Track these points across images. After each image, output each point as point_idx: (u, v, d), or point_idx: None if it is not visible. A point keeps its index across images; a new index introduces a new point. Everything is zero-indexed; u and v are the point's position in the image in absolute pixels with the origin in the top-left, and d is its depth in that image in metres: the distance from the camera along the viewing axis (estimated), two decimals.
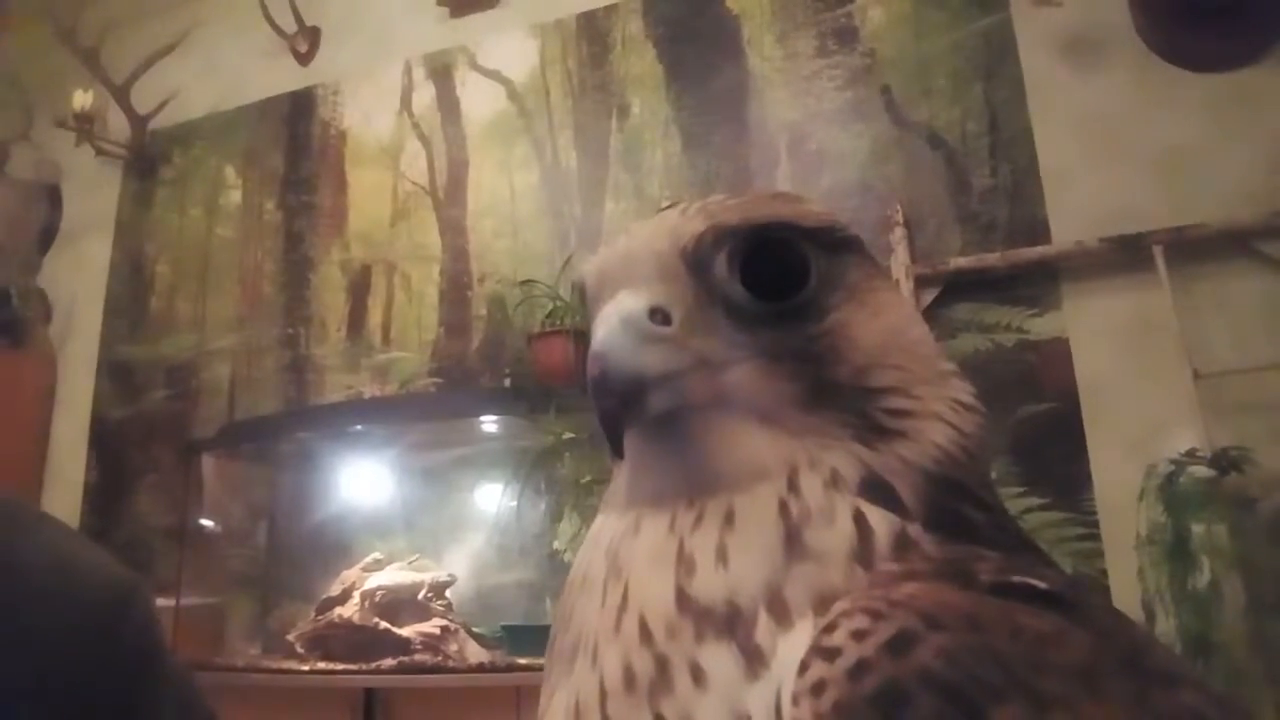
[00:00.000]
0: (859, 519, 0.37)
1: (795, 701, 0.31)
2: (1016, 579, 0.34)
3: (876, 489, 0.38)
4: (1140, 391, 2.21)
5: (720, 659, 0.34)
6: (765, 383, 0.41)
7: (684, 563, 0.37)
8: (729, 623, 0.35)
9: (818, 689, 0.31)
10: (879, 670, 0.30)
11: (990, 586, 0.34)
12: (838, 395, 0.42)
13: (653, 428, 0.40)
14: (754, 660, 0.34)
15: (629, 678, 0.36)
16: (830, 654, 0.31)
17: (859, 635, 0.31)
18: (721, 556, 0.37)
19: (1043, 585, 0.34)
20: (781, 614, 0.35)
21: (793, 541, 0.36)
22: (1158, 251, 2.19)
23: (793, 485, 0.38)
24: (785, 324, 0.43)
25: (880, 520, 0.37)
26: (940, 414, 0.43)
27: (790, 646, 0.33)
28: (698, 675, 0.34)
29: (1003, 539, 0.39)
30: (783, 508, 0.38)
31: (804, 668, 0.32)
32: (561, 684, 0.40)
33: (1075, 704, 0.29)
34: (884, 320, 0.46)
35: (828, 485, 0.38)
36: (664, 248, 0.43)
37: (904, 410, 0.42)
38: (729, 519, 0.38)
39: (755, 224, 0.43)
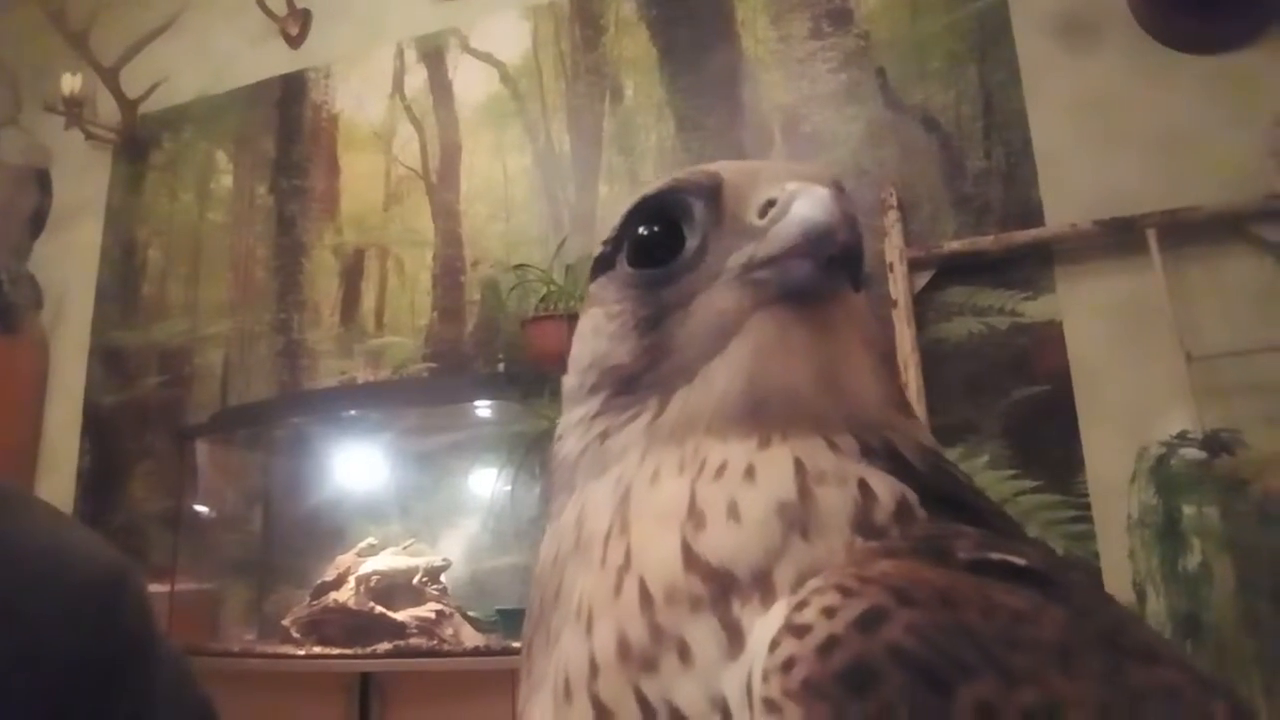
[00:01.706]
0: (863, 485, 0.37)
1: (765, 678, 0.31)
2: (994, 555, 0.34)
3: (892, 456, 0.39)
4: (1133, 374, 2.22)
5: (706, 636, 0.34)
6: (869, 312, 0.43)
7: (694, 516, 0.36)
8: (724, 591, 0.34)
9: (787, 666, 0.30)
10: (848, 647, 0.30)
11: (967, 564, 0.34)
12: (889, 360, 0.44)
13: (802, 306, 0.39)
14: (734, 638, 0.33)
15: (623, 650, 0.35)
16: (800, 631, 0.31)
17: (829, 612, 0.31)
18: (733, 511, 0.36)
19: (1020, 562, 0.34)
20: (766, 593, 0.34)
21: (803, 500, 0.36)
22: (1151, 234, 2.19)
23: (830, 443, 0.38)
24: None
25: (886, 489, 0.37)
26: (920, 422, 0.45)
27: (765, 625, 0.33)
28: (684, 653, 0.34)
29: (981, 511, 0.40)
30: (799, 467, 0.37)
31: (774, 645, 0.31)
32: (546, 667, 0.38)
33: (1046, 680, 0.29)
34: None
35: (860, 451, 0.38)
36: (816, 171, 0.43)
37: (907, 404, 0.44)
38: (749, 473, 0.37)
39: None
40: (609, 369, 0.44)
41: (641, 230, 0.45)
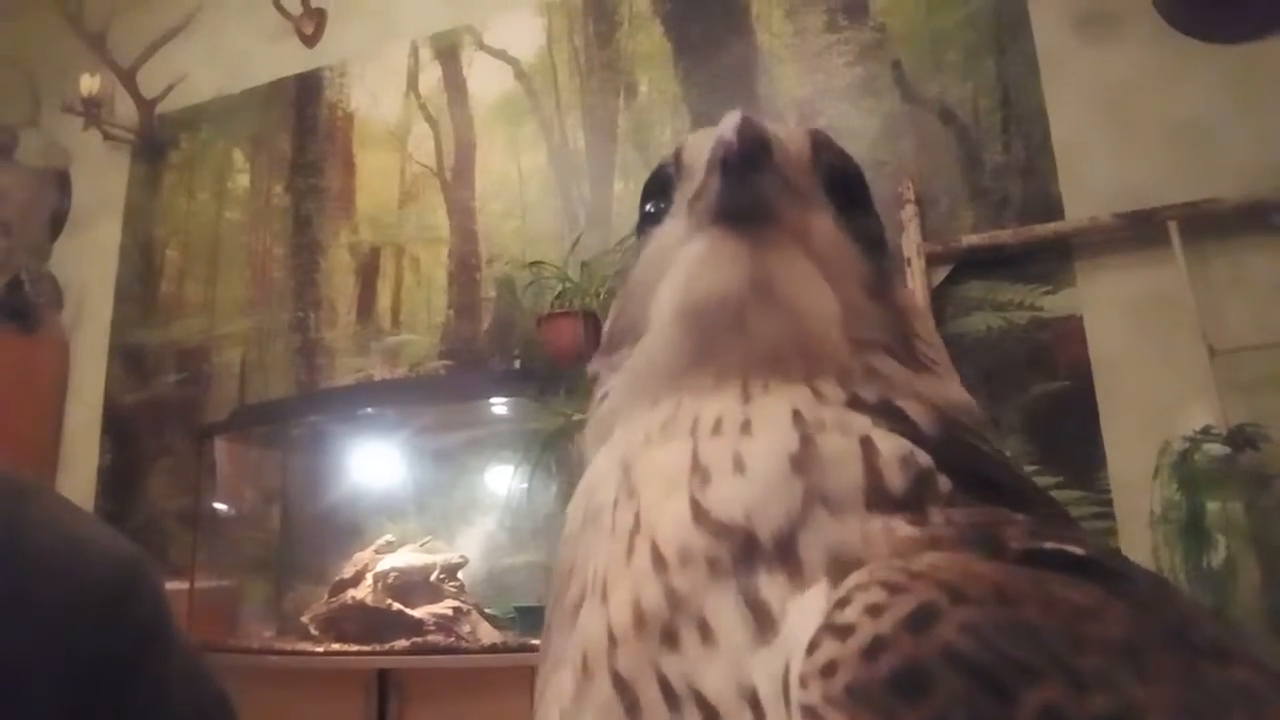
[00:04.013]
0: (866, 443, 0.35)
1: (804, 684, 0.28)
2: (1049, 545, 0.32)
3: (892, 413, 0.37)
4: (1155, 368, 2.19)
5: (728, 610, 0.32)
6: (843, 243, 0.42)
7: (699, 472, 0.35)
8: (745, 553, 0.33)
9: (828, 670, 0.28)
10: (897, 649, 0.27)
11: (1020, 554, 0.31)
12: (889, 307, 0.42)
13: (734, 225, 0.39)
14: (762, 619, 0.31)
15: (639, 617, 0.33)
16: (842, 631, 0.28)
17: (875, 610, 0.28)
18: (739, 464, 0.35)
19: (1079, 552, 0.31)
20: (794, 569, 0.32)
21: (806, 449, 0.35)
22: (1172, 227, 2.17)
23: (815, 391, 0.37)
24: (865, 231, 0.44)
25: (889, 443, 0.35)
26: (956, 378, 0.44)
27: (801, 613, 0.31)
28: (705, 630, 0.32)
29: (1017, 484, 0.38)
30: (797, 416, 0.36)
31: (814, 646, 0.29)
32: (565, 646, 0.37)
33: (1118, 683, 0.26)
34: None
35: (846, 401, 0.37)
36: (784, 129, 0.44)
37: (933, 359, 0.43)
38: (746, 427, 0.36)
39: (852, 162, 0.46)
40: (608, 334, 0.47)
41: (648, 208, 0.48)
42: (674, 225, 0.44)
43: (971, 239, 2.37)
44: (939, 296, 2.37)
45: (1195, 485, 1.98)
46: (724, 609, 0.32)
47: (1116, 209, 2.24)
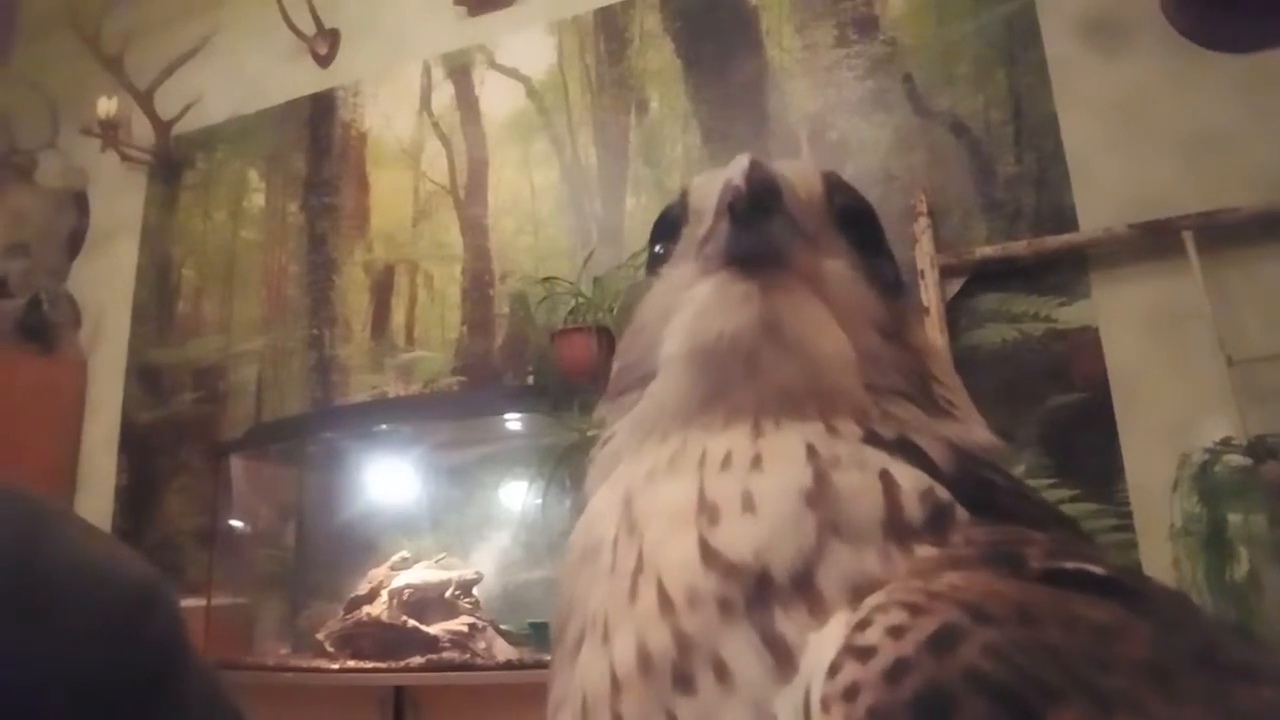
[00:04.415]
0: (885, 476, 0.35)
1: (825, 707, 0.28)
2: (1070, 564, 0.31)
3: (909, 449, 0.37)
4: (1172, 380, 2.17)
5: (745, 651, 0.31)
6: (857, 285, 0.42)
7: (706, 510, 0.34)
8: (759, 591, 0.32)
9: (850, 693, 0.27)
10: (919, 671, 0.27)
11: (1041, 573, 0.31)
12: (906, 350, 0.42)
13: (744, 268, 0.39)
14: (781, 656, 0.31)
15: (644, 661, 0.32)
16: (864, 654, 0.28)
17: (896, 632, 0.28)
18: (748, 502, 0.34)
19: (1100, 570, 0.31)
20: (813, 601, 0.32)
21: (821, 485, 0.34)
22: (1188, 237, 2.15)
23: (829, 427, 0.37)
24: (880, 274, 0.44)
25: (908, 477, 0.35)
26: (980, 422, 0.43)
27: (821, 643, 0.30)
28: (721, 671, 0.31)
29: (1040, 515, 0.37)
30: (810, 451, 0.35)
31: (835, 669, 0.28)
32: (567, 685, 0.36)
33: (1145, 704, 0.26)
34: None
35: (863, 438, 0.37)
36: (795, 168, 0.44)
37: (951, 401, 0.42)
38: (756, 462, 0.35)
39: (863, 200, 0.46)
40: (615, 375, 0.47)
41: (657, 249, 0.48)
42: (682, 267, 0.43)
43: (985, 251, 2.36)
44: (953, 309, 2.36)
45: (1216, 497, 1.95)
46: (741, 648, 0.31)
47: (1131, 219, 2.23)
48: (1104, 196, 2.31)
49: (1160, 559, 2.00)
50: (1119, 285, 2.28)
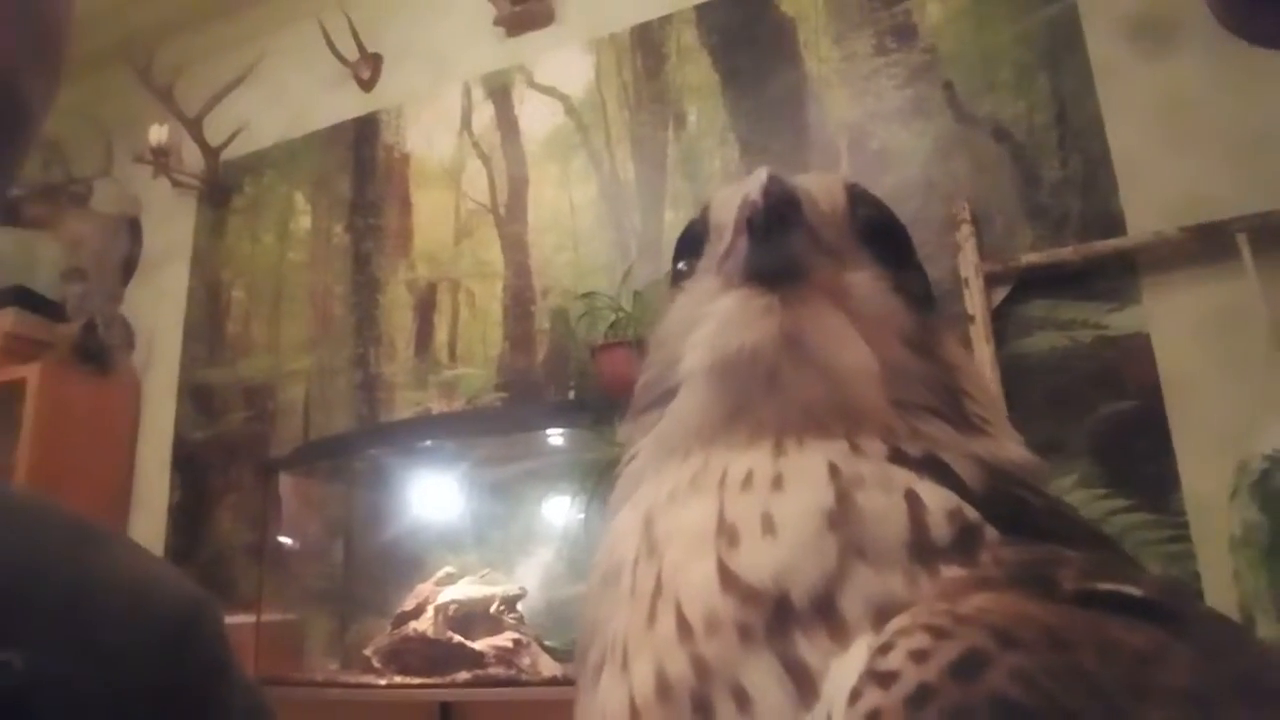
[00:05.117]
0: (910, 495, 0.34)
1: None
2: (1105, 585, 0.30)
3: (936, 467, 0.36)
4: (1228, 385, 2.11)
5: (766, 678, 0.30)
6: (882, 298, 0.41)
7: (725, 532, 0.34)
8: (779, 616, 0.31)
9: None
10: (943, 697, 0.26)
11: (1074, 595, 0.29)
12: (936, 364, 0.40)
13: (764, 283, 0.38)
14: (803, 683, 0.30)
15: (663, 689, 0.31)
16: (885, 679, 0.27)
17: (919, 656, 0.27)
18: (768, 524, 0.33)
19: (1137, 592, 0.30)
20: (835, 626, 0.31)
21: (843, 506, 0.33)
22: (1242, 239, 2.10)
23: (853, 445, 0.36)
24: (908, 287, 0.43)
25: (935, 496, 0.34)
26: (1015, 438, 0.41)
27: (843, 669, 0.29)
28: (742, 699, 0.30)
29: (1077, 534, 0.36)
30: (833, 470, 0.34)
31: (856, 695, 0.27)
32: (589, 711, 0.36)
33: None
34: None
35: (888, 456, 0.36)
36: (817, 180, 0.44)
37: (984, 417, 0.41)
38: (778, 482, 0.34)
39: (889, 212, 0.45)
40: (639, 388, 0.47)
41: (680, 265, 0.48)
42: (704, 283, 0.43)
43: (1031, 258, 2.32)
44: (999, 317, 2.32)
45: (1277, 506, 1.89)
46: (761, 675, 0.30)
47: (1182, 222, 2.18)
48: (1153, 199, 2.27)
49: (1220, 571, 1.94)
50: (1171, 290, 2.23)
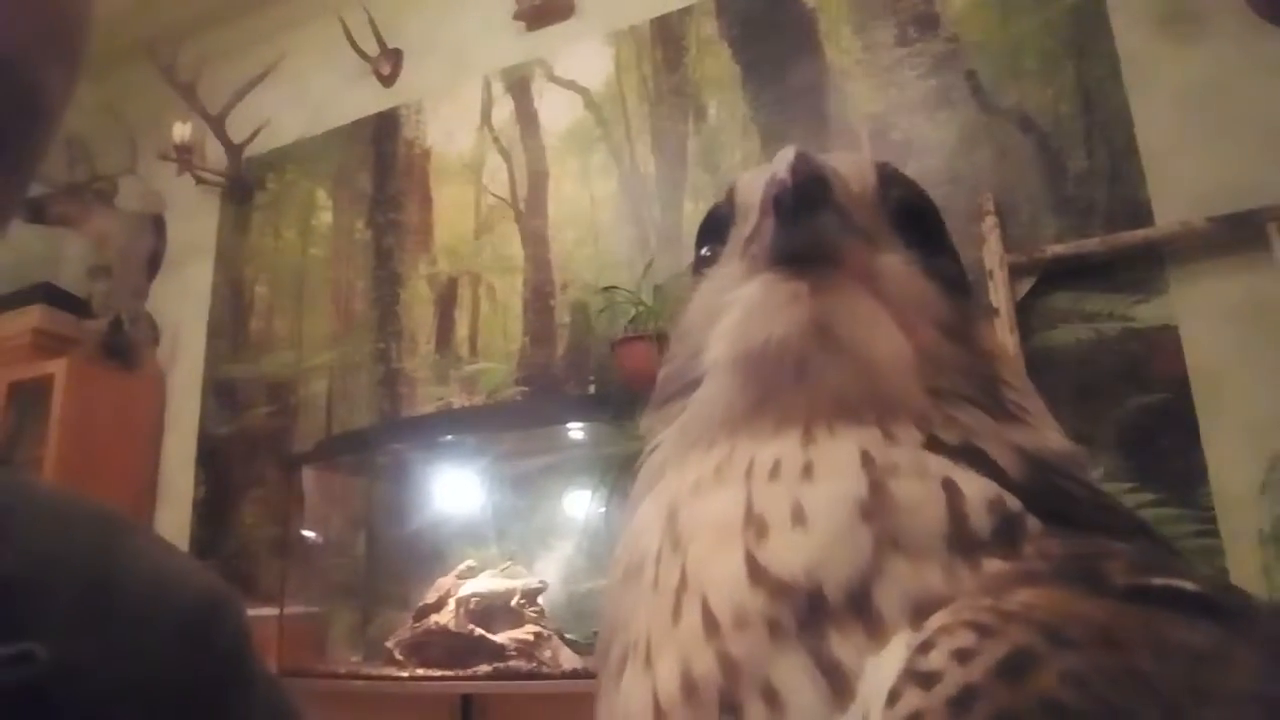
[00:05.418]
0: (948, 484, 0.32)
1: None
2: (1158, 581, 0.28)
3: (975, 456, 0.34)
4: (1257, 378, 2.08)
5: (797, 676, 0.29)
6: (916, 283, 0.39)
7: (753, 523, 0.32)
8: (811, 612, 0.30)
9: None
10: (990, 700, 0.24)
11: (1125, 590, 0.28)
12: (972, 351, 0.39)
13: (791, 267, 0.37)
14: (837, 682, 0.28)
15: (689, 687, 0.30)
16: (927, 679, 0.26)
17: (963, 656, 0.25)
18: (798, 514, 0.32)
19: (1193, 588, 0.28)
20: (871, 622, 0.29)
21: (877, 495, 0.32)
22: (1272, 229, 2.06)
23: (886, 433, 0.34)
24: (942, 271, 0.41)
25: (973, 485, 0.32)
26: (1055, 428, 0.40)
27: (880, 669, 0.28)
28: (772, 699, 0.29)
29: (1123, 526, 0.35)
30: (866, 459, 0.33)
31: (895, 697, 0.26)
32: (611, 711, 0.34)
33: None
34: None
35: (923, 444, 0.34)
36: (847, 160, 0.42)
37: (1022, 406, 0.40)
38: (807, 471, 0.33)
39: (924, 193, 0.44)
40: (661, 383, 0.45)
41: (704, 252, 0.46)
42: (728, 268, 0.41)
43: (1056, 249, 2.29)
44: (1024, 309, 2.30)
45: None
46: (792, 674, 0.29)
47: (1210, 213, 2.14)
48: (1181, 190, 2.23)
49: (1248, 566, 1.92)
50: (1199, 281, 2.20)
